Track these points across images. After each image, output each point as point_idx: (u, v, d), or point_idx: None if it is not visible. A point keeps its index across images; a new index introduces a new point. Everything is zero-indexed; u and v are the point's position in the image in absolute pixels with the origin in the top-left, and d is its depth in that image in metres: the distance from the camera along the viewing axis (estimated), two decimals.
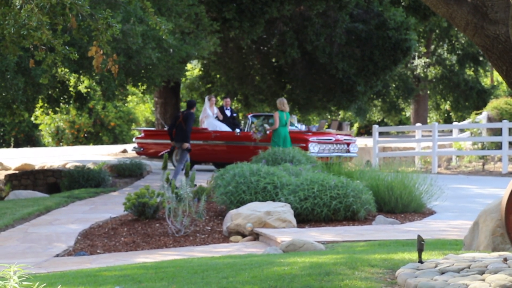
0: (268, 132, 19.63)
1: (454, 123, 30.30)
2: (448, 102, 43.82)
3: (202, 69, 30.54)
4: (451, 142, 25.59)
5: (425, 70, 41.15)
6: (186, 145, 17.44)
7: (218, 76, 29.54)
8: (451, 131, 28.27)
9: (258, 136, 19.90)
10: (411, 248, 8.25)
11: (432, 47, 42.47)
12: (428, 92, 42.73)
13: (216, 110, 21.88)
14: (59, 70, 13.24)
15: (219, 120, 21.75)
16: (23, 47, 9.60)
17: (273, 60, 27.71)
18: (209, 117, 21.68)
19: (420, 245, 6.65)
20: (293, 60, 26.09)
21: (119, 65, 14.06)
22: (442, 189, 13.34)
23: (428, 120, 43.96)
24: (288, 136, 18.63)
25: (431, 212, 13.05)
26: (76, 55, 8.55)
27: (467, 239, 7.97)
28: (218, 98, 29.52)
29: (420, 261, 6.66)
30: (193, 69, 32.56)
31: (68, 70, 18.29)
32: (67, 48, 8.62)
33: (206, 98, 22.18)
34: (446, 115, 46.63)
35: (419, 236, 6.68)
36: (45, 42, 8.15)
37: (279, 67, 27.58)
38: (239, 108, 30.58)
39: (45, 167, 22.13)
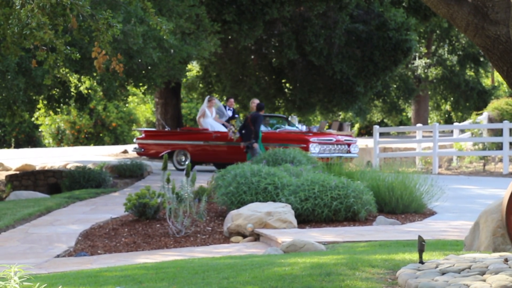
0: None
1: (455, 123, 30.29)
2: (449, 102, 43.82)
3: (202, 69, 30.54)
4: (452, 142, 25.59)
5: (425, 70, 41.15)
6: (256, 145, 19.09)
7: (218, 76, 29.54)
8: (452, 131, 28.27)
9: (236, 135, 20.49)
10: (411, 248, 8.25)
11: (433, 47, 42.47)
12: (429, 92, 42.73)
13: (215, 111, 21.86)
14: (61, 70, 13.22)
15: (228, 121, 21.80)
16: (24, 47, 9.61)
17: (273, 60, 27.71)
18: (207, 117, 21.67)
19: (421, 245, 6.65)
20: (293, 61, 26.09)
21: (123, 63, 14.10)
22: (442, 189, 13.33)
23: (429, 121, 43.96)
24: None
25: (432, 213, 13.04)
26: (78, 55, 8.56)
27: (468, 239, 7.97)
28: (218, 97, 29.49)
29: (421, 262, 6.66)
30: (193, 70, 32.57)
31: (69, 71, 18.31)
32: (69, 48, 8.63)
33: (206, 99, 22.19)
34: (446, 115, 46.64)
35: (419, 237, 6.68)
36: (48, 42, 8.17)
37: (278, 68, 27.58)
38: (239, 109, 30.59)
39: (46, 168, 22.13)
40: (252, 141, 19.07)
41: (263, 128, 21.82)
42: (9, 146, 41.30)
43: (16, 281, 4.58)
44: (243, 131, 19.46)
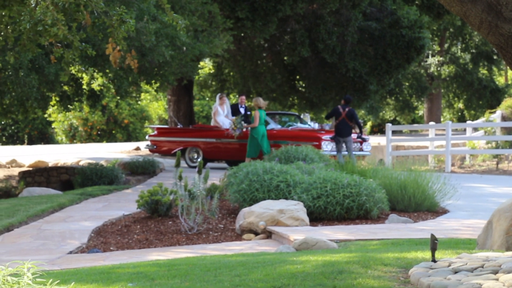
0: (244, 129, 20.60)
1: (468, 121, 30.19)
2: (462, 100, 43.68)
3: (214, 66, 30.56)
4: (465, 141, 25.50)
5: (438, 68, 41.03)
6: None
7: (231, 74, 29.55)
8: (465, 129, 28.17)
9: (237, 133, 20.71)
10: (424, 247, 8.23)
11: (446, 45, 42.33)
12: (442, 90, 42.60)
13: (226, 108, 21.87)
14: (77, 66, 13.29)
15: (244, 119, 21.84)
16: (39, 44, 9.65)
17: (285, 58, 27.69)
18: (220, 115, 21.69)
19: (433, 244, 6.63)
20: (305, 58, 26.06)
21: (137, 60, 14.13)
22: (455, 188, 13.29)
23: (442, 119, 43.84)
24: (266, 133, 19.73)
25: (445, 211, 13.00)
26: (93, 51, 8.58)
27: (481, 238, 7.95)
28: (232, 96, 29.54)
29: (434, 260, 6.64)
30: (208, 69, 32.57)
31: (82, 67, 18.36)
32: (83, 44, 8.66)
33: (217, 96, 22.20)
34: (459, 113, 46.49)
35: (432, 235, 6.66)
36: (62, 38, 8.19)
37: (291, 65, 27.56)
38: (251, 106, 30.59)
39: (59, 164, 22.20)
40: (359, 134, 20.21)
41: (274, 126, 21.83)
42: (22, 143, 41.46)
43: (29, 277, 4.60)
44: (340, 127, 19.71)
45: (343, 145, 19.83)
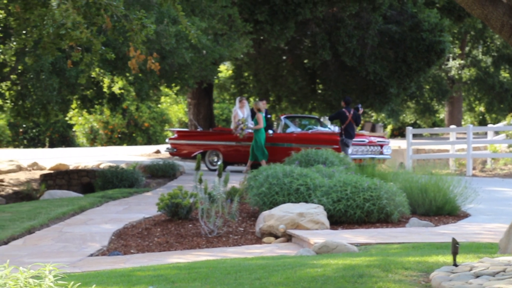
0: (248, 130, 21.03)
1: (489, 125, 30.02)
2: (483, 104, 43.45)
3: (234, 70, 30.59)
4: (486, 144, 25.36)
5: (459, 71, 40.84)
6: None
7: (250, 77, 29.57)
8: (486, 133, 28.01)
9: (244, 133, 21.11)
10: (445, 251, 8.18)
11: (467, 48, 42.14)
12: (463, 94, 42.40)
13: (246, 112, 21.89)
14: (97, 70, 13.35)
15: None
16: (59, 48, 9.72)
17: (305, 61, 27.68)
18: (239, 118, 21.71)
19: (455, 248, 6.60)
20: (326, 61, 26.04)
21: (159, 63, 14.18)
22: (476, 191, 13.21)
23: (463, 122, 43.63)
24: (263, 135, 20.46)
25: (466, 215, 12.93)
26: (112, 55, 8.62)
27: (503, 242, 7.89)
28: (251, 99, 29.54)
29: (455, 264, 6.61)
30: (227, 70, 32.62)
31: (104, 71, 18.45)
32: (104, 48, 8.70)
33: (237, 100, 22.23)
34: (480, 117, 46.25)
35: (453, 239, 6.62)
36: (85, 41, 8.23)
37: (311, 68, 27.54)
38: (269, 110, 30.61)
39: (80, 167, 22.31)
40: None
41: (294, 129, 21.82)
42: (43, 146, 41.70)
43: (51, 280, 4.62)
44: (348, 130, 20.09)
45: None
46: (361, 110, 21.01)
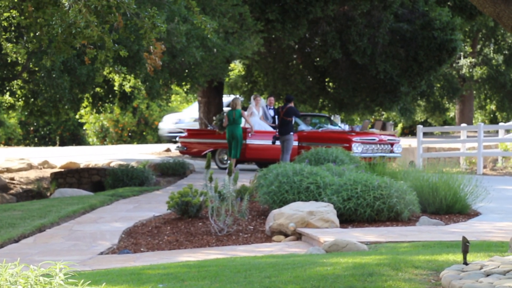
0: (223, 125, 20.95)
1: (500, 123, 29.92)
2: (494, 102, 43.30)
3: (244, 68, 30.58)
4: (497, 143, 25.27)
5: (470, 70, 40.71)
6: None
7: (261, 76, 29.55)
8: (497, 131, 27.92)
9: (219, 129, 21.32)
10: (455, 249, 8.17)
11: (478, 46, 41.99)
12: (474, 92, 42.27)
13: (261, 110, 21.89)
14: (115, 66, 13.37)
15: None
16: (71, 46, 9.74)
17: (316, 60, 27.64)
18: (254, 116, 21.69)
19: (465, 246, 6.58)
20: (336, 60, 25.99)
21: (168, 61, 14.12)
22: (487, 190, 13.17)
23: (473, 121, 43.49)
24: (235, 132, 19.83)
25: (476, 214, 12.90)
26: (125, 52, 8.63)
27: None
28: (262, 97, 29.52)
29: (465, 263, 6.59)
30: (239, 71, 32.62)
31: (116, 68, 18.47)
32: (116, 45, 8.71)
33: (252, 97, 22.22)
34: (491, 115, 46.09)
35: (464, 238, 6.61)
36: (96, 39, 8.25)
37: (322, 67, 27.50)
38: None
39: (90, 166, 22.36)
40: (291, 134, 19.40)
41: (304, 127, 21.80)
42: (54, 144, 41.80)
43: (61, 278, 4.63)
44: (279, 124, 19.66)
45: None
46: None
